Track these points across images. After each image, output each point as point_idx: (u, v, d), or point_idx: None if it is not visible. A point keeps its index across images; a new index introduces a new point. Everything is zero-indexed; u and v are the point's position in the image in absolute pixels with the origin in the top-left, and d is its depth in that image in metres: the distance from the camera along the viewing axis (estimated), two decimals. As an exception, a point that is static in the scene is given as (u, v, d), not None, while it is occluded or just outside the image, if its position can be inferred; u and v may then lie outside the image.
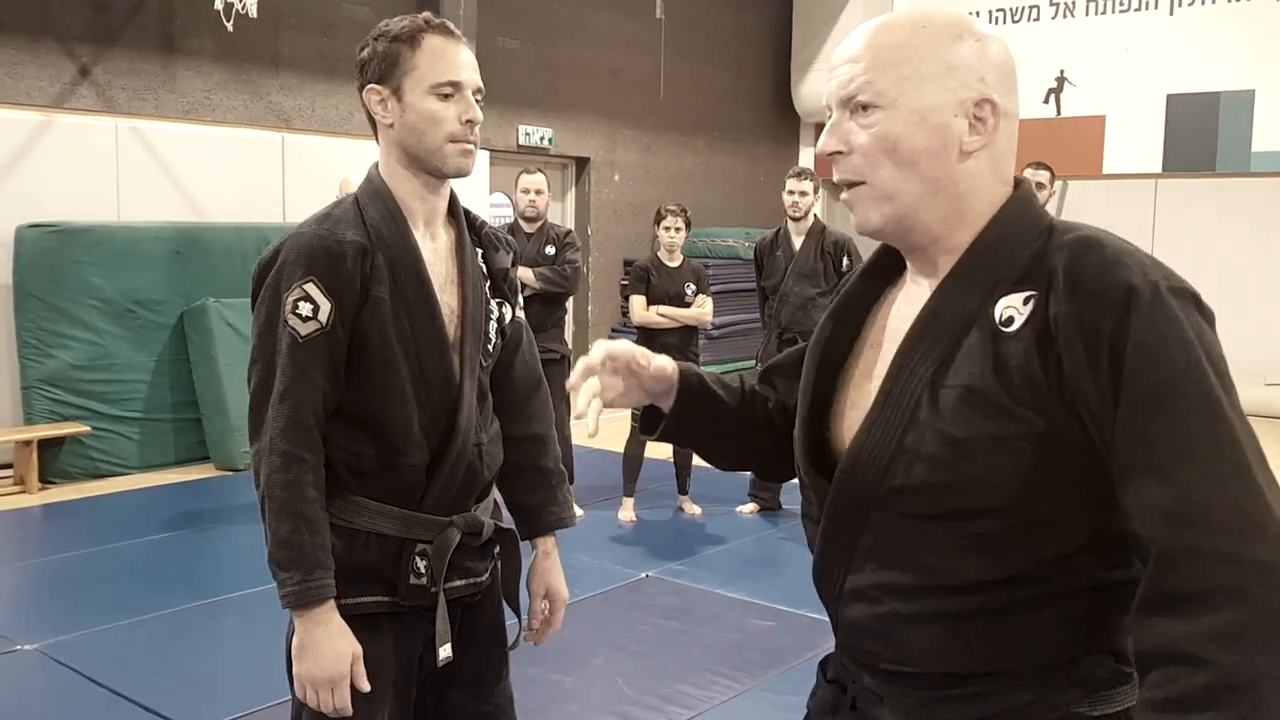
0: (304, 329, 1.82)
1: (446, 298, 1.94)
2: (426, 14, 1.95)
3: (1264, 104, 9.60)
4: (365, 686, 1.83)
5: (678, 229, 5.77)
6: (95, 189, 6.90)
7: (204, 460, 7.02)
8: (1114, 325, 1.12)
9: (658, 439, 1.55)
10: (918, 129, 1.23)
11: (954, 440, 1.18)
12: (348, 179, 4.94)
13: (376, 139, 1.97)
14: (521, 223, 5.85)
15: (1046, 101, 10.74)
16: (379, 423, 1.88)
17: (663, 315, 5.73)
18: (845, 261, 5.69)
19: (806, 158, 12.41)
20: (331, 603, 1.81)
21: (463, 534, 1.95)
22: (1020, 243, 1.24)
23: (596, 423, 1.39)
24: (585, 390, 1.41)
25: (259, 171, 7.67)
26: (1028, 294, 1.19)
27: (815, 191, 5.76)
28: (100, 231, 6.72)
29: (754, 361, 8.09)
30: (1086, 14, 10.51)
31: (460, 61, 1.89)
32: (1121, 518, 1.13)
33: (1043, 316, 1.17)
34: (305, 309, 1.82)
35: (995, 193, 1.27)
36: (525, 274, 5.44)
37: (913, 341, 1.26)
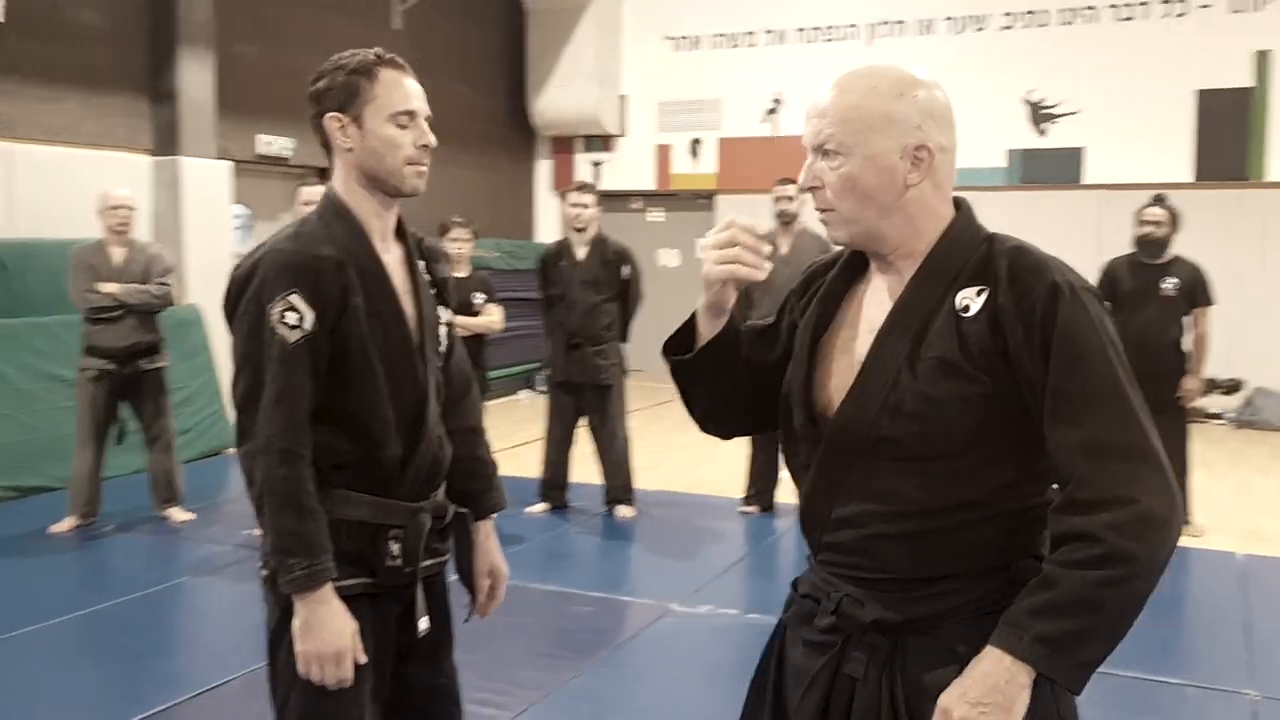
0: (292, 336, 1.97)
1: (406, 306, 2.13)
2: (377, 49, 2.14)
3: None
4: (364, 658, 2.01)
5: (465, 240, 5.96)
6: None
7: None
8: (1044, 313, 1.52)
9: (687, 363, 1.80)
10: (869, 170, 1.60)
11: (929, 398, 1.57)
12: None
13: (330, 162, 2.13)
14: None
15: (765, 121, 11.65)
16: (359, 421, 2.06)
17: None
18: (626, 270, 6.08)
19: (544, 170, 12.79)
20: (331, 584, 1.97)
21: (431, 517, 2.15)
22: (967, 248, 1.64)
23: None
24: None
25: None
26: (979, 288, 1.59)
27: (596, 204, 6.11)
28: None
29: (538, 367, 8.27)
30: (798, 41, 11.49)
31: (413, 91, 2.11)
32: (1048, 452, 1.55)
33: (993, 305, 1.57)
34: (292, 318, 1.97)
35: (941, 210, 1.66)
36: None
37: (891, 325, 1.63)
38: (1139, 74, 10.03)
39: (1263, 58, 9.82)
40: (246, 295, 2.01)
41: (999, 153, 10.57)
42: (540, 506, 6.27)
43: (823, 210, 1.65)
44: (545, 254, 6.26)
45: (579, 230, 6.09)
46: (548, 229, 12.89)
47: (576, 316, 6.04)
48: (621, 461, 6.19)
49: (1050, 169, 10.45)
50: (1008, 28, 10.61)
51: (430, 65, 11.40)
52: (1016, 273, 1.57)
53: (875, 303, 1.69)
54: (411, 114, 2.08)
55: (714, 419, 1.91)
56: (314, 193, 5.78)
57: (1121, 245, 6.28)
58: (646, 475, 6.66)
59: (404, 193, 2.11)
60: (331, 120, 2.07)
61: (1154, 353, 5.68)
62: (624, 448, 6.19)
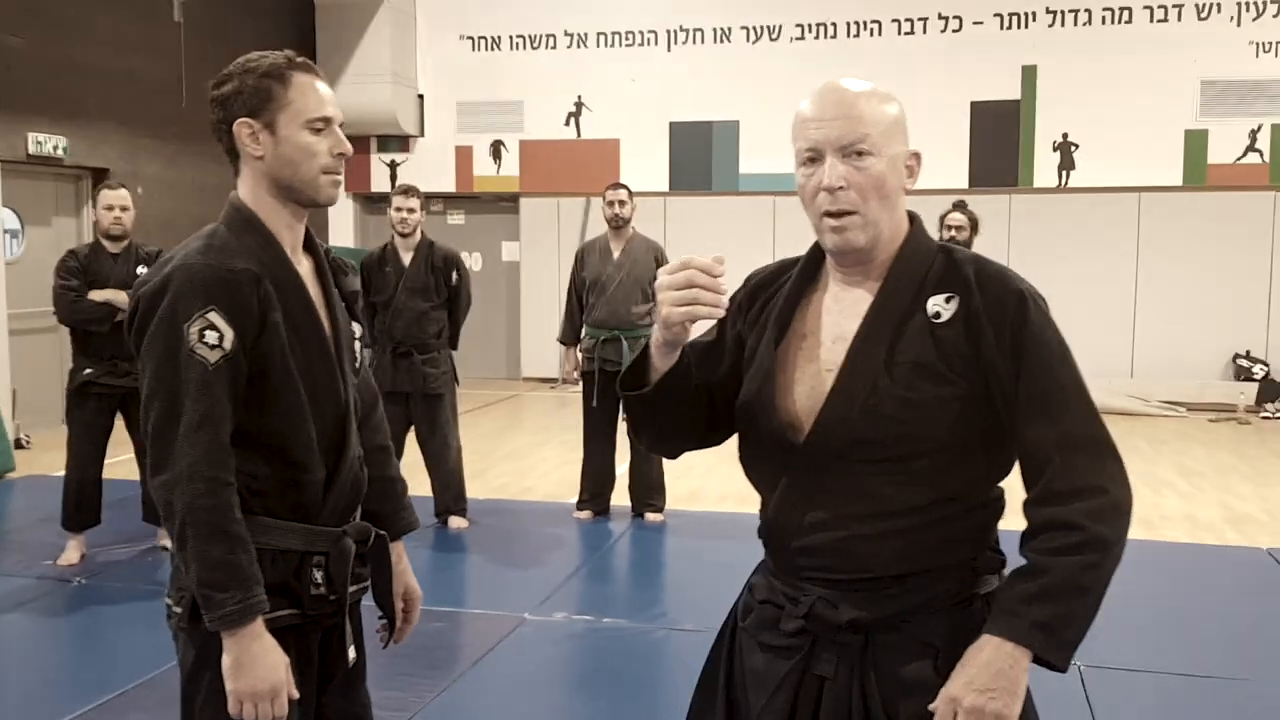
0: (212, 356, 1.85)
1: (323, 321, 2.03)
2: (288, 51, 2.03)
3: (747, 133, 11.22)
4: (296, 694, 1.91)
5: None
6: None
7: None
8: (1014, 318, 1.63)
9: (642, 397, 1.76)
10: (892, 172, 1.67)
11: (907, 401, 1.64)
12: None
13: (236, 169, 2.01)
14: (105, 242, 5.42)
15: (567, 124, 11.68)
16: (280, 443, 1.95)
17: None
18: (454, 275, 5.96)
19: (336, 171, 12.37)
20: (262, 618, 1.86)
21: (354, 541, 2.06)
22: (925, 258, 1.72)
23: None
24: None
25: None
26: (948, 295, 1.68)
27: (422, 209, 5.96)
28: None
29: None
30: (598, 45, 11.58)
31: (328, 97, 2.01)
32: (1019, 445, 1.65)
33: (965, 311, 1.66)
34: (211, 337, 1.85)
35: (904, 220, 1.75)
36: (118, 296, 5.10)
37: (866, 332, 1.69)
38: (920, 85, 10.62)
39: (1029, 72, 10.61)
40: (158, 315, 1.86)
41: (793, 160, 10.96)
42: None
43: (842, 214, 1.65)
44: (368, 259, 6.05)
45: (404, 235, 5.92)
46: (342, 232, 12.50)
47: (403, 324, 5.87)
48: (455, 471, 6.07)
49: (842, 174, 10.93)
50: (800, 38, 11.05)
51: (215, 57, 10.79)
52: (984, 281, 1.67)
53: (839, 311, 1.73)
54: (327, 120, 1.99)
55: (663, 442, 1.90)
56: (119, 197, 5.40)
57: None
58: (473, 484, 6.56)
59: (319, 203, 2.02)
60: (242, 126, 1.95)
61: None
62: (457, 458, 6.07)
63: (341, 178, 2.04)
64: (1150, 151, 10.44)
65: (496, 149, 11.94)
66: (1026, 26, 10.62)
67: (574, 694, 3.97)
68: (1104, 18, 10.52)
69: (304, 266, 2.05)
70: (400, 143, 12.20)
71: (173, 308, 1.85)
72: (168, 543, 5.45)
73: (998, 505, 1.74)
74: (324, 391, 2.00)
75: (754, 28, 11.16)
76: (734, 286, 1.83)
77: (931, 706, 1.60)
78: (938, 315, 1.66)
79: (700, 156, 11.36)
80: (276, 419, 1.94)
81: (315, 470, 1.98)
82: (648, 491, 6.26)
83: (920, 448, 1.63)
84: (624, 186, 6.37)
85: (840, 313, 1.73)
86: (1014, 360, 1.62)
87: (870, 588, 1.67)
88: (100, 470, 5.35)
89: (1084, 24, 10.55)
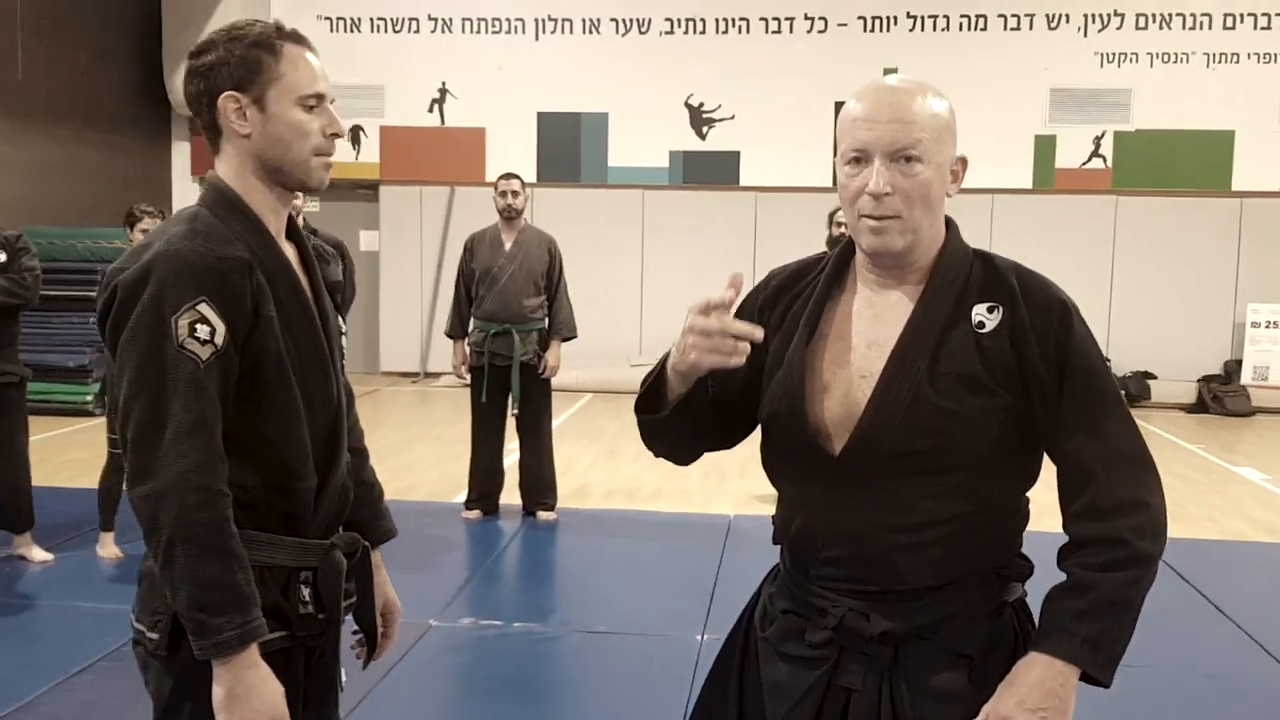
0: (204, 353, 1.68)
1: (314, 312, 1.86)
2: (276, 19, 1.87)
3: (616, 125, 11.15)
4: None
5: (156, 232, 5.30)
6: None
7: None
8: (1058, 330, 1.61)
9: (660, 419, 1.69)
10: (939, 179, 1.62)
11: (951, 412, 1.59)
12: None
13: (216, 147, 1.82)
14: (-47, 224, 4.95)
15: (431, 111, 11.37)
16: (272, 449, 1.78)
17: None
18: (339, 265, 5.67)
19: (181, 152, 11.74)
20: (256, 644, 1.69)
21: (343, 554, 1.91)
22: (963, 264, 1.68)
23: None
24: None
25: None
26: (990, 304, 1.64)
27: (304, 195, 5.65)
28: None
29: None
30: (463, 31, 11.31)
31: (320, 71, 1.87)
32: (1060, 458, 1.63)
33: (1010, 322, 1.62)
34: (203, 331, 1.68)
35: (942, 225, 1.69)
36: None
37: (908, 341, 1.63)
38: (786, 84, 10.80)
39: (891, 74, 10.88)
40: (139, 306, 1.66)
41: (662, 153, 10.98)
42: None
43: (883, 218, 1.59)
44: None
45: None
46: (188, 218, 11.85)
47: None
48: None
49: (710, 170, 11.00)
50: (669, 32, 11.04)
51: (53, 30, 10.11)
52: (1029, 291, 1.64)
53: (871, 315, 1.68)
54: (320, 97, 1.83)
55: (676, 454, 1.86)
56: None
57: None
58: (353, 483, 6.28)
59: (308, 187, 1.86)
60: (227, 100, 1.77)
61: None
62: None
63: (331, 161, 1.88)
64: (1003, 155, 10.86)
65: (355, 134, 11.53)
66: (888, 30, 10.89)
67: (492, 701, 3.82)
68: (961, 24, 10.88)
69: (289, 253, 1.88)
70: (251, 125, 11.65)
71: (157, 298, 1.65)
72: (26, 551, 5.05)
73: (1026, 512, 1.72)
74: (317, 391, 1.83)
75: (623, 20, 11.10)
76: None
77: None
78: (982, 325, 1.63)
79: (569, 148, 11.24)
80: (268, 423, 1.76)
81: (308, 478, 1.82)
82: (540, 490, 6.12)
83: (959, 460, 1.60)
84: (516, 176, 6.21)
85: (874, 317, 1.67)
86: (1057, 372, 1.60)
87: (903, 599, 1.64)
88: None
89: (942, 29, 10.89)
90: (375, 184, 11.59)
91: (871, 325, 1.67)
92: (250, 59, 1.76)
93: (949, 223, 1.70)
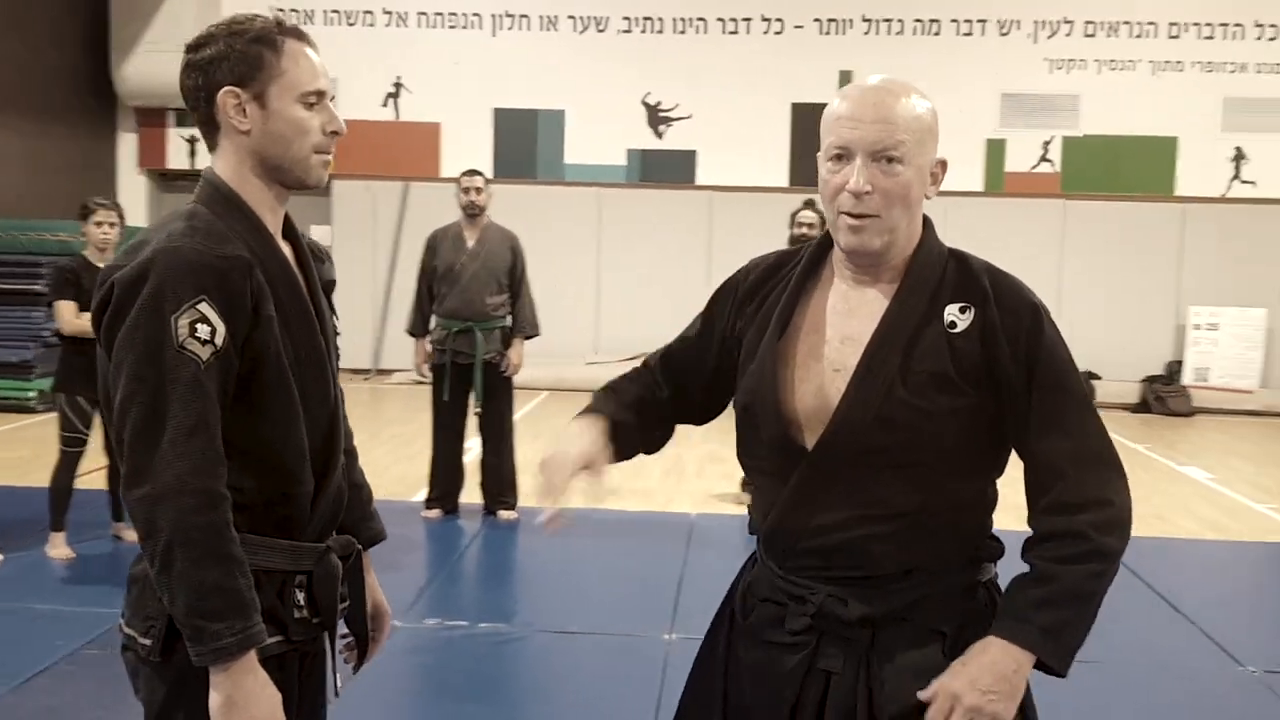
0: (204, 354, 1.65)
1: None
2: (276, 14, 1.83)
3: (572, 123, 11.13)
4: None
5: (112, 224, 5.19)
6: None
7: None
8: (1029, 331, 1.66)
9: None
10: (918, 180, 1.66)
11: (921, 410, 1.65)
12: None
13: (212, 143, 1.79)
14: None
15: (385, 105, 11.27)
16: (271, 452, 1.76)
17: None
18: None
19: (127, 142, 11.52)
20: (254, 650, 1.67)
21: (338, 557, 1.90)
22: (938, 263, 1.72)
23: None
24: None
25: None
26: (963, 305, 1.69)
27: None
28: None
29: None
30: (419, 25, 11.21)
31: (321, 68, 1.85)
32: (1029, 455, 1.68)
33: (981, 322, 1.67)
34: (204, 331, 1.65)
35: (919, 225, 1.74)
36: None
37: (881, 338, 1.68)
38: (743, 84, 10.85)
39: (846, 77, 10.95)
40: (138, 304, 1.63)
41: (619, 151, 10.98)
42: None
43: (862, 217, 1.63)
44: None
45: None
46: (134, 211, 11.62)
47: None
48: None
49: (666, 169, 11.02)
50: (626, 31, 11.04)
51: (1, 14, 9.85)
52: (1000, 292, 1.68)
53: (846, 310, 1.72)
54: (321, 94, 1.81)
55: (654, 450, 1.98)
56: None
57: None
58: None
59: (307, 185, 1.84)
60: (227, 96, 1.73)
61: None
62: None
63: (331, 158, 1.86)
64: (954, 158, 10.88)
65: (308, 128, 11.38)
66: (844, 32, 10.98)
67: (463, 704, 3.79)
68: (915, 28, 11.00)
69: (287, 253, 1.86)
70: (200, 117, 11.46)
71: (157, 297, 1.62)
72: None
73: (994, 497, 1.78)
74: (315, 392, 1.81)
75: (581, 18, 11.08)
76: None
77: (926, 695, 1.61)
78: (954, 325, 1.67)
79: (525, 145, 11.19)
80: (267, 425, 1.74)
81: (306, 481, 1.80)
82: (501, 488, 6.09)
83: (928, 455, 1.64)
84: (479, 173, 6.19)
85: (848, 313, 1.72)
86: (1026, 373, 1.64)
87: (879, 584, 1.68)
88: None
89: (896, 32, 11.01)
90: (328, 179, 11.46)
91: (846, 320, 1.71)
92: (251, 54, 1.73)
93: (926, 222, 1.74)
